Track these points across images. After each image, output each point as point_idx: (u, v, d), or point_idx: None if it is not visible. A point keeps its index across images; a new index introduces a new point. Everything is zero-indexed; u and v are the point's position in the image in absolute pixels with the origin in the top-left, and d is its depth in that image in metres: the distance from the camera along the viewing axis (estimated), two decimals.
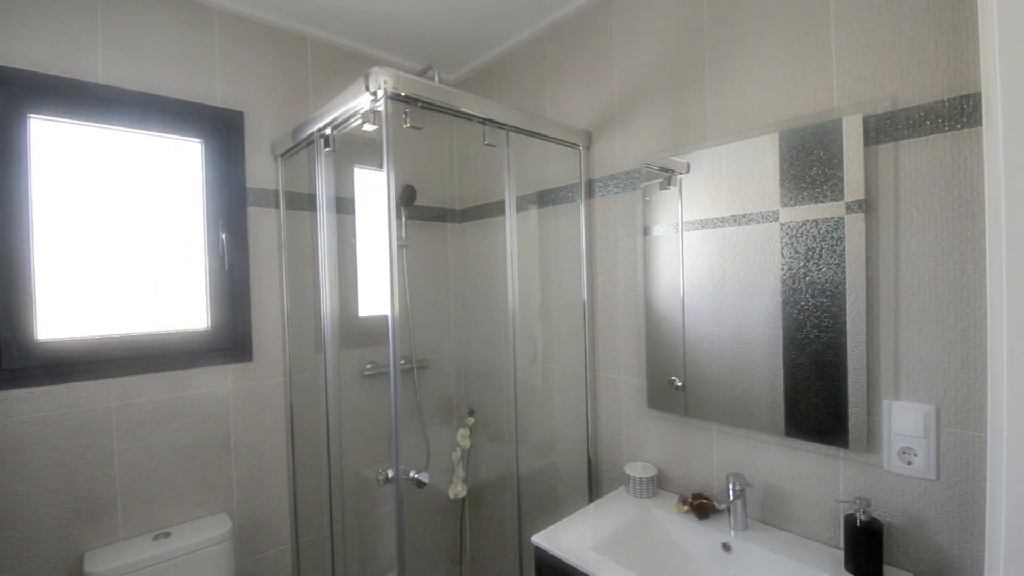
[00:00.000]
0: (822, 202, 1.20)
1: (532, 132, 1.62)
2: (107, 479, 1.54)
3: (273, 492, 1.86)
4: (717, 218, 1.40)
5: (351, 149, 2.04)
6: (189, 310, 1.72)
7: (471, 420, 2.24)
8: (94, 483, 1.52)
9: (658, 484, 1.60)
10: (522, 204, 2.02)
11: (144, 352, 1.61)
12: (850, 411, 1.18)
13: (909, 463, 1.12)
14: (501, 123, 1.52)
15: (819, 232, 1.21)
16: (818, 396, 1.23)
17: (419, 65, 2.25)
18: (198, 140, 1.74)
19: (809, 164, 1.22)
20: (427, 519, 2.30)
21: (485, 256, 2.25)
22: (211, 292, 1.75)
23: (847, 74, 1.19)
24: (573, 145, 1.75)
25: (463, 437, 2.22)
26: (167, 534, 1.58)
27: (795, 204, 1.25)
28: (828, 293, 1.20)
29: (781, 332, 1.28)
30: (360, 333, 2.08)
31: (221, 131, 1.77)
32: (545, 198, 1.95)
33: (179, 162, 1.72)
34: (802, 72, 1.26)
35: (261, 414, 1.84)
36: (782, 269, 1.27)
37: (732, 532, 1.33)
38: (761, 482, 1.37)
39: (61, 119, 1.50)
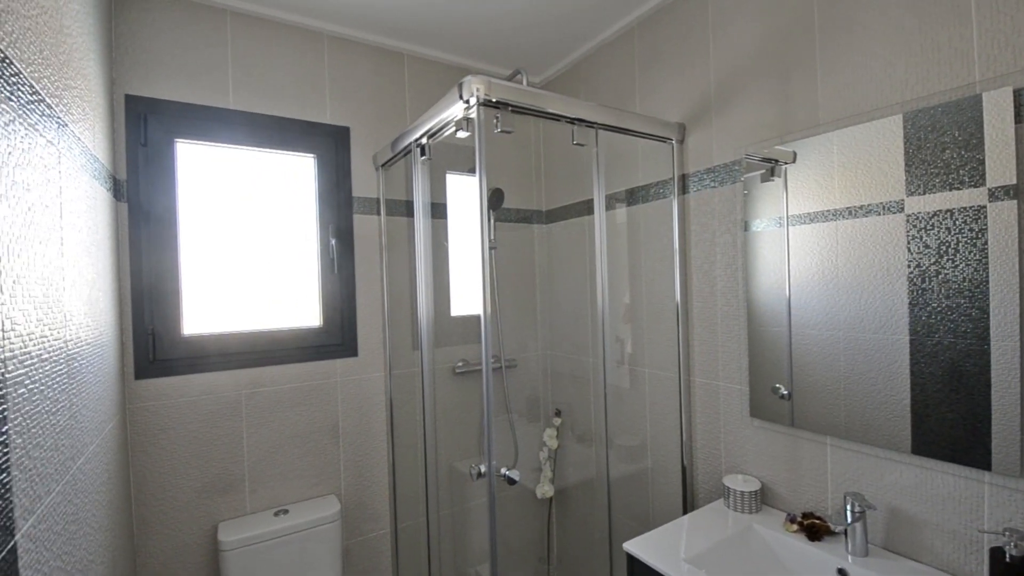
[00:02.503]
0: (958, 189, 1.06)
1: (622, 129, 1.59)
2: (237, 458, 1.74)
3: (375, 479, 1.99)
4: (828, 211, 1.28)
5: (444, 156, 2.13)
6: (305, 309, 1.90)
7: (558, 421, 2.24)
8: (226, 461, 1.72)
9: (761, 499, 1.50)
10: (610, 203, 1.98)
11: (268, 346, 1.79)
12: (994, 429, 1.03)
13: None
14: (590, 122, 1.51)
15: (954, 223, 1.07)
16: (953, 411, 1.08)
17: (507, 70, 2.29)
18: (311, 155, 1.91)
19: (941, 147, 1.08)
20: (516, 516, 2.33)
21: (572, 256, 2.24)
22: (323, 293, 1.91)
23: (991, 42, 1.04)
24: (665, 139, 1.69)
25: (550, 437, 2.22)
26: (286, 511, 1.75)
27: (924, 192, 1.11)
28: (966, 293, 1.05)
29: (907, 337, 1.14)
30: (452, 332, 2.16)
31: (330, 146, 1.93)
32: (635, 195, 1.90)
33: (295, 175, 1.90)
34: (934, 44, 1.12)
35: (365, 406, 1.97)
36: (908, 266, 1.14)
37: (850, 558, 1.21)
38: (884, 504, 1.23)
39: (200, 142, 1.72)
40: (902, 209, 1.14)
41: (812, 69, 1.35)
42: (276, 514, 1.73)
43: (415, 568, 2.05)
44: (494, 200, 2.16)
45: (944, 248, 1.08)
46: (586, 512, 2.22)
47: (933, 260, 1.10)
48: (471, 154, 1.28)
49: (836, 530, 1.27)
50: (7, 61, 0.75)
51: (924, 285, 1.11)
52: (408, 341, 2.04)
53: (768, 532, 1.37)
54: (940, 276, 1.09)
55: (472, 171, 1.29)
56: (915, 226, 1.12)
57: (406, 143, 1.69)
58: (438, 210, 2.11)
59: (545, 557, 2.38)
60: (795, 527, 1.35)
